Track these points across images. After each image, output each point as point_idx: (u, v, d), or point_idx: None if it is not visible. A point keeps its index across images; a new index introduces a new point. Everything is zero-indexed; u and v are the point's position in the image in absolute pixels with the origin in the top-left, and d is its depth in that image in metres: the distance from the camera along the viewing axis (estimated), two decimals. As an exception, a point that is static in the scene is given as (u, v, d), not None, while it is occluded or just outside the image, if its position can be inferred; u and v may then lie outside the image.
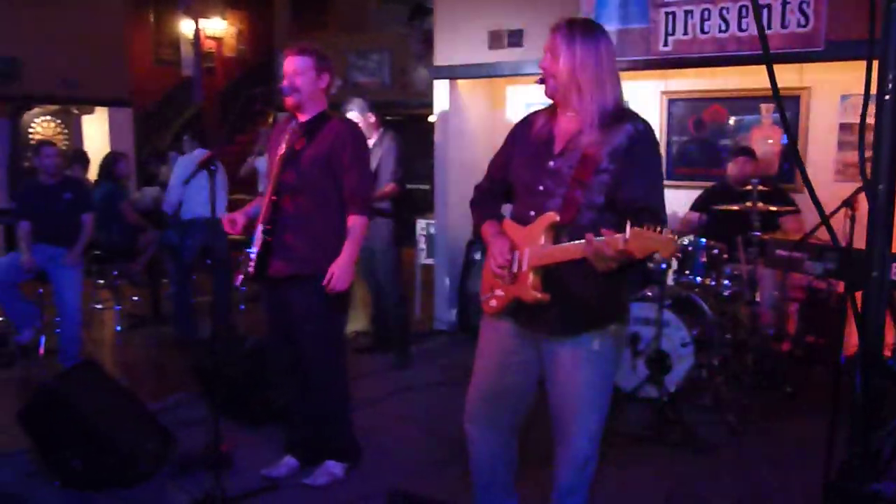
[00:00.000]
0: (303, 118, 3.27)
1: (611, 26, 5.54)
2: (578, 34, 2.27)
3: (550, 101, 2.40)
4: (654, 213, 2.13)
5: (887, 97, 1.12)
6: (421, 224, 6.92)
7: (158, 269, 7.00)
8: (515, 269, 2.36)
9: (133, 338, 6.43)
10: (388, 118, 11.97)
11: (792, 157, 6.05)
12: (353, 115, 5.17)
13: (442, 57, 6.43)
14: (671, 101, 6.42)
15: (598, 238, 2.04)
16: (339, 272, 3.14)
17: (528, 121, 2.51)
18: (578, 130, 2.32)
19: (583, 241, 2.10)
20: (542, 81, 2.34)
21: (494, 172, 2.58)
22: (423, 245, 6.89)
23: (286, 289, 3.23)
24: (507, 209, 2.57)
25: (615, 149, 2.24)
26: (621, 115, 2.28)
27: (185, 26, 12.97)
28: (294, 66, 3.20)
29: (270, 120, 11.59)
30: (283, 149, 3.25)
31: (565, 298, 2.29)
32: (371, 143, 5.27)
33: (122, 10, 9.50)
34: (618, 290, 2.37)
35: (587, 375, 2.33)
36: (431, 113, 6.60)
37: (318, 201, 3.18)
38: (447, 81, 6.46)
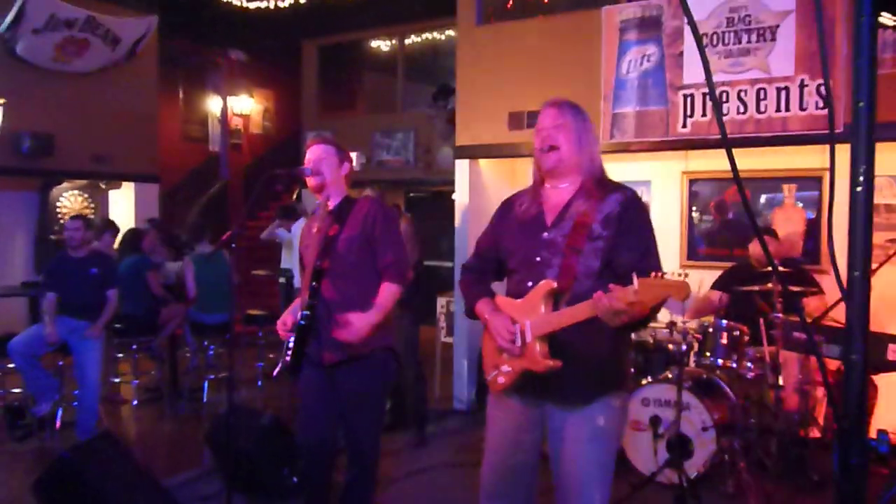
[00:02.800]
0: (331, 204, 3.39)
1: (629, 107, 5.66)
2: (579, 112, 2.49)
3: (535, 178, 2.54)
4: (654, 271, 2.17)
5: (859, 189, 1.21)
6: (441, 302, 6.95)
7: (177, 342, 7.11)
8: (519, 342, 2.40)
9: (150, 411, 6.47)
10: (412, 195, 12.29)
11: (817, 237, 6.05)
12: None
13: (463, 137, 6.57)
14: (692, 181, 6.50)
15: (607, 294, 2.10)
16: (358, 324, 3.10)
17: (510, 202, 2.64)
18: (569, 201, 2.45)
19: (589, 300, 2.16)
20: (548, 150, 2.47)
21: (483, 250, 2.68)
22: (443, 323, 6.91)
23: (334, 371, 3.25)
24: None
25: (607, 216, 2.35)
26: (609, 184, 2.44)
27: (213, 104, 13.27)
28: (317, 154, 3.36)
29: (294, 196, 11.70)
30: (316, 237, 3.36)
31: (574, 362, 2.34)
32: None
33: (154, 88, 9.84)
34: (623, 350, 2.44)
35: (593, 453, 2.36)
36: (454, 190, 6.73)
37: (360, 282, 3.24)
38: (468, 161, 6.59)
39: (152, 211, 9.29)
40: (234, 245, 3.06)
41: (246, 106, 13.64)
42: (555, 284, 2.33)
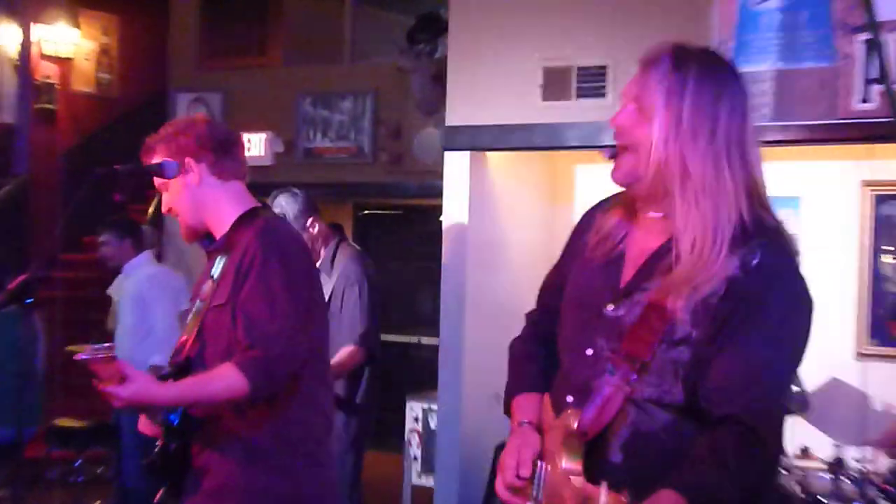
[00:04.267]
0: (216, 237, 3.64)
1: (764, 64, 5.73)
2: (693, 73, 2.40)
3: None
4: (748, 434, 2.27)
5: None
6: (414, 410, 7.00)
7: None
8: (536, 494, 2.51)
9: None
10: (365, 212, 12.12)
11: None
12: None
13: (460, 110, 6.62)
14: (880, 198, 6.54)
15: None
16: (136, 385, 3.29)
17: (598, 210, 2.73)
18: (657, 251, 2.48)
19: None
20: (613, 156, 2.52)
21: (547, 297, 2.84)
22: (415, 449, 6.93)
23: None
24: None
25: (707, 296, 2.35)
26: (750, 230, 2.39)
27: (5, 33, 13.11)
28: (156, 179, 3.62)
29: (151, 210, 11.55)
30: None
31: None
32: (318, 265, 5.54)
33: None
34: None
35: None
36: (442, 206, 6.81)
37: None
38: (468, 155, 6.66)
39: None
40: (31, 300, 3.17)
41: (66, 43, 13.50)
42: (574, 425, 2.47)
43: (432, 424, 6.88)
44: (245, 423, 3.45)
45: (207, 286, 3.53)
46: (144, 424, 3.54)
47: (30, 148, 12.93)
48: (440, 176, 6.81)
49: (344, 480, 5.55)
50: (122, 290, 7.26)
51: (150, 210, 11.43)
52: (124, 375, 3.24)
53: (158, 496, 3.54)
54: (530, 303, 6.61)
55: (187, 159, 3.52)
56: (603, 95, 6.14)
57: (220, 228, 3.56)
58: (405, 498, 7.04)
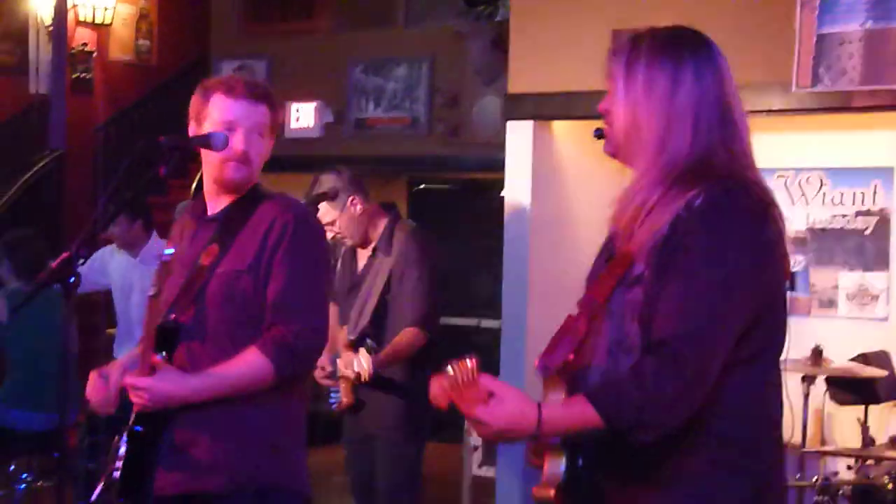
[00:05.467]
0: (211, 206, 3.69)
1: (853, 23, 5.65)
2: (645, 51, 2.74)
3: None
4: (670, 357, 2.46)
5: None
6: None
7: None
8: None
9: None
10: (422, 187, 12.25)
11: None
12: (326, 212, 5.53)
13: (522, 78, 6.60)
14: None
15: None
16: (158, 386, 3.40)
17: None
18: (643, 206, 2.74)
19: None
20: (600, 135, 2.86)
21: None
22: (476, 439, 6.90)
23: None
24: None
25: (657, 238, 2.59)
26: (707, 175, 2.63)
27: (38, 2, 13.12)
28: (243, 114, 3.59)
29: (194, 187, 11.54)
30: (175, 266, 3.67)
31: None
32: (364, 252, 5.64)
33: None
34: None
35: None
36: (504, 181, 6.78)
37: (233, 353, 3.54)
38: (531, 124, 6.61)
39: None
40: (73, 278, 3.17)
41: (103, 8, 13.53)
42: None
43: None
44: (243, 402, 3.50)
45: (205, 250, 3.55)
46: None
47: (65, 120, 12.96)
48: (501, 148, 6.75)
49: (403, 472, 5.59)
50: (135, 276, 7.26)
51: (194, 185, 11.43)
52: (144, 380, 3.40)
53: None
54: None
55: (273, 135, 3.65)
56: None
57: (232, 196, 3.63)
58: (465, 489, 7.05)
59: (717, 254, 2.55)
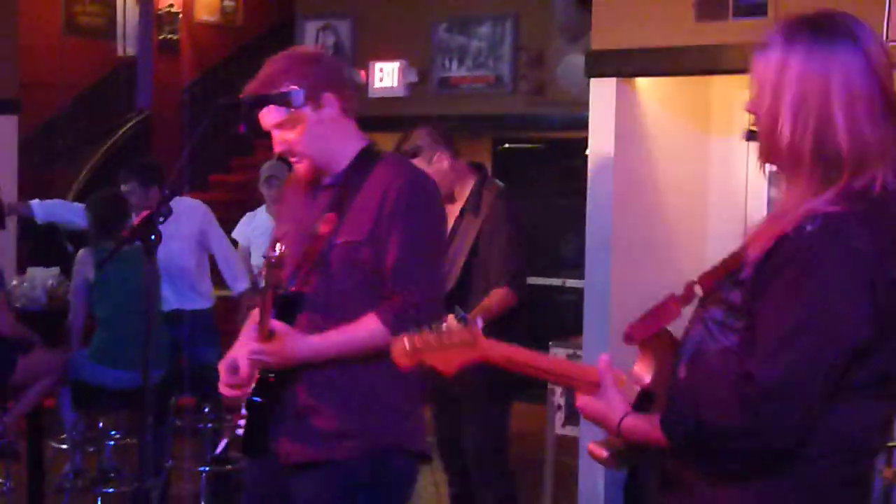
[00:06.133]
0: (331, 171, 3.70)
1: None
2: (804, 40, 2.46)
3: None
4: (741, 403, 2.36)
5: None
6: (558, 356, 6.65)
7: (46, 423, 7.18)
8: None
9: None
10: (507, 146, 12.16)
11: None
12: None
13: (605, 35, 6.52)
14: None
15: None
16: (290, 346, 3.50)
17: None
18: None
19: None
20: (750, 137, 2.72)
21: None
22: (559, 398, 6.85)
23: (290, 477, 3.67)
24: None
25: (763, 252, 2.45)
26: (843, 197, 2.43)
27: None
28: (270, 116, 3.61)
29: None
30: (292, 234, 3.69)
31: None
32: (451, 211, 5.52)
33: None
34: None
35: None
36: (588, 139, 6.71)
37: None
38: (614, 81, 6.53)
39: (5, 165, 9.12)
40: (154, 236, 3.22)
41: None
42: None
43: None
44: (364, 366, 3.56)
45: (322, 218, 3.59)
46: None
47: (152, 81, 13.09)
48: (586, 106, 6.66)
49: (489, 431, 5.66)
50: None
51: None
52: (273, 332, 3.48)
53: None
54: (682, 242, 6.49)
55: (326, 93, 3.57)
56: (764, 14, 5.88)
57: (339, 164, 3.65)
58: (549, 448, 6.99)
59: (800, 296, 2.38)
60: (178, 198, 7.54)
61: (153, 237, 3.20)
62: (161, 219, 3.22)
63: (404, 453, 3.66)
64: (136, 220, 3.44)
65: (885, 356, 2.39)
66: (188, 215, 7.09)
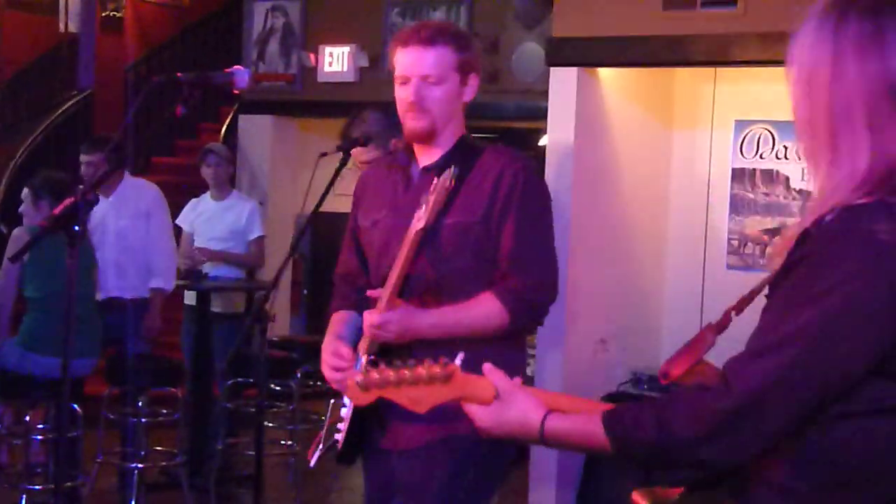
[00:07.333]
0: (430, 155, 3.80)
1: None
2: (855, 16, 2.26)
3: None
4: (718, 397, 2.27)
5: None
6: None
7: None
8: None
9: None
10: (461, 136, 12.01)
11: None
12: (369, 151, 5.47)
13: (567, 21, 6.55)
14: None
15: None
16: (399, 320, 3.61)
17: None
18: None
19: None
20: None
21: None
22: None
23: (406, 463, 3.81)
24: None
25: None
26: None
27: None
28: (426, 63, 3.69)
29: (224, 128, 11.60)
30: (387, 221, 3.82)
31: None
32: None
33: None
34: None
35: None
36: (545, 129, 6.79)
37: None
38: (575, 71, 6.55)
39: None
40: (77, 226, 3.20)
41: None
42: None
43: (529, 371, 6.36)
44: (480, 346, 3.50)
45: (429, 201, 3.61)
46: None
47: (95, 60, 13.00)
48: (541, 95, 6.75)
49: None
50: (109, 215, 7.37)
51: (224, 129, 11.58)
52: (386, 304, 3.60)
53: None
54: (641, 236, 6.50)
55: (473, 75, 3.75)
56: (733, 4, 5.91)
57: (443, 140, 3.74)
58: None
59: (817, 292, 2.19)
60: (130, 178, 7.54)
61: (76, 227, 3.15)
62: (86, 208, 3.19)
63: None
64: (58, 207, 3.30)
65: None
66: (137, 195, 7.24)
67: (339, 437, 3.75)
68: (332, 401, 3.89)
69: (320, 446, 3.84)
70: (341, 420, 3.75)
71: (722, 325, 2.67)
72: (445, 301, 3.69)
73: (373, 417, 3.74)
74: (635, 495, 2.75)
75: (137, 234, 7.32)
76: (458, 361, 2.46)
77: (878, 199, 2.19)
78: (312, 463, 3.86)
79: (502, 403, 2.48)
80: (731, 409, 2.19)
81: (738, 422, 2.19)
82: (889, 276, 2.13)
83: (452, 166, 3.42)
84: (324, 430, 3.87)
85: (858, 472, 2.23)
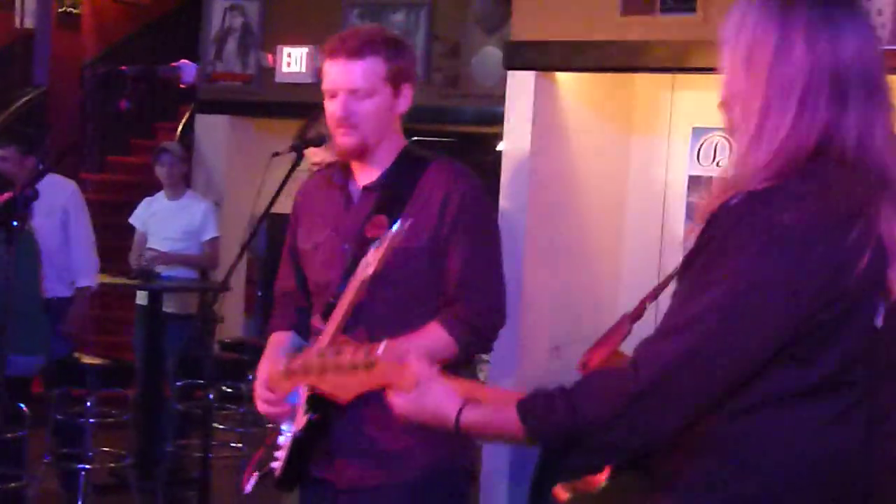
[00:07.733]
0: (368, 173, 3.68)
1: None
2: (753, 11, 2.34)
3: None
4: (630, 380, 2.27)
5: None
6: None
7: None
8: None
9: None
10: (415, 138, 11.91)
11: None
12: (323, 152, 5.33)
13: (525, 25, 6.53)
14: None
15: None
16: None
17: None
18: None
19: None
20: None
21: None
22: None
23: (351, 502, 3.69)
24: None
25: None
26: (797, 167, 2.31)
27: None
28: (353, 77, 3.57)
29: (180, 128, 11.53)
30: (330, 242, 3.69)
31: None
32: None
33: None
34: None
35: None
36: (502, 135, 6.73)
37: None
38: (532, 75, 6.53)
39: None
40: (16, 223, 3.17)
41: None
42: None
43: (482, 378, 6.70)
44: None
45: (370, 222, 3.58)
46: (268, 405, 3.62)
47: (50, 56, 12.94)
48: (502, 100, 6.66)
49: None
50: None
51: (180, 128, 11.49)
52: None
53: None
54: (597, 242, 6.50)
55: (406, 84, 3.62)
56: (692, 10, 5.90)
57: (379, 157, 3.64)
58: None
59: (721, 274, 2.24)
60: (47, 175, 7.46)
61: (15, 222, 3.09)
62: (26, 202, 3.14)
63: (460, 472, 3.74)
64: (-1, 199, 3.31)
65: (837, 350, 2.22)
66: (53, 192, 6.97)
67: (275, 465, 3.66)
68: (270, 426, 3.79)
69: (255, 473, 3.73)
70: (278, 448, 3.64)
71: (637, 314, 2.74)
72: (391, 330, 3.39)
73: (317, 448, 3.65)
74: (557, 489, 2.69)
75: (53, 233, 7.19)
76: (381, 349, 2.44)
77: (782, 183, 2.23)
78: (247, 490, 3.72)
79: (420, 393, 2.48)
80: (639, 391, 2.22)
81: (646, 402, 2.22)
82: (790, 259, 2.17)
83: (409, 220, 3.24)
84: (258, 456, 3.77)
85: (769, 458, 2.26)
